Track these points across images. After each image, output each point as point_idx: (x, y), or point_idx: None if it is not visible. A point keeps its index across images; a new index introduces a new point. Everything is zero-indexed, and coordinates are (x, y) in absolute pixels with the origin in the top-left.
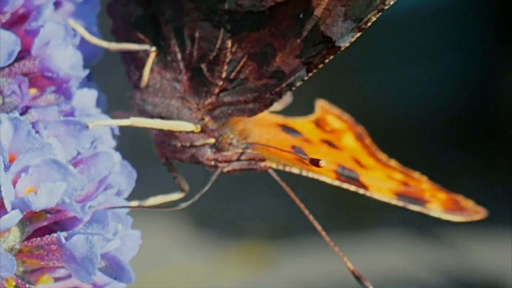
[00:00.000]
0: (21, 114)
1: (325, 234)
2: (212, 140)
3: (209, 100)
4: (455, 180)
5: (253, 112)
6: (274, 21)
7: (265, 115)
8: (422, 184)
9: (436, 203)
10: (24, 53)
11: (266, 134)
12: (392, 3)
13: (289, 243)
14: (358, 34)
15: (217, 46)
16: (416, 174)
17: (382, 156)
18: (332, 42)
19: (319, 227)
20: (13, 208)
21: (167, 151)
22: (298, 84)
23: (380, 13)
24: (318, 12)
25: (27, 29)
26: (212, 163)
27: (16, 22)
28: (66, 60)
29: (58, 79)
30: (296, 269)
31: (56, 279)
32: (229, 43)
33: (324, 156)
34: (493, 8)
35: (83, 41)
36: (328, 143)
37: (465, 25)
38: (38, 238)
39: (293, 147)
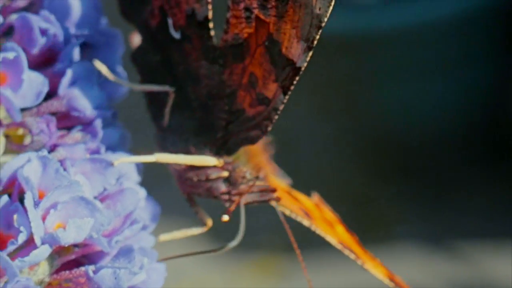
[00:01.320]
0: (49, 152)
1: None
2: (225, 174)
3: (220, 134)
4: (467, 195)
5: (255, 139)
6: (250, 51)
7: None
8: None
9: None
10: (51, 93)
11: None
12: (326, 20)
13: (304, 256)
14: (310, 53)
15: (216, 81)
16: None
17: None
18: (294, 63)
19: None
20: (42, 243)
21: (185, 186)
22: (280, 107)
23: (320, 31)
24: (277, 37)
25: (54, 70)
26: (226, 197)
27: (44, 63)
28: (92, 100)
29: (84, 118)
30: (311, 281)
31: None
32: (224, 77)
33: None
34: (505, 21)
35: (108, 80)
36: (327, 223)
37: (476, 39)
38: (67, 271)
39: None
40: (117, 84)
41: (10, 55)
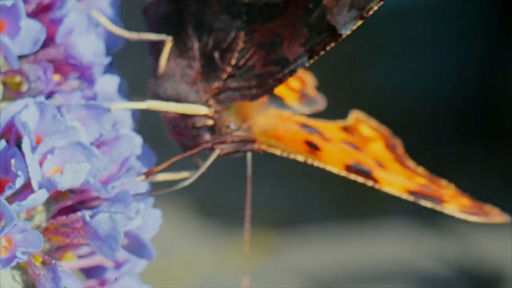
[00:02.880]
0: (46, 99)
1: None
2: (210, 122)
3: (216, 85)
4: (458, 172)
5: (254, 97)
6: (286, 13)
7: (285, 112)
8: (445, 189)
9: (455, 205)
10: (48, 41)
11: (275, 124)
12: None
13: (294, 232)
14: (360, 23)
15: (232, 36)
16: (443, 182)
17: (411, 163)
18: (335, 30)
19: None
20: (40, 188)
21: (173, 134)
22: (298, 70)
23: (381, 2)
24: (326, 2)
25: (52, 18)
26: (209, 145)
27: (41, 11)
28: (89, 48)
29: (81, 66)
30: (300, 258)
31: (80, 256)
32: (243, 33)
33: (339, 153)
34: None
35: (105, 30)
36: (350, 144)
37: (469, 17)
38: (64, 216)
39: (306, 141)
40: (115, 33)
41: (8, 2)
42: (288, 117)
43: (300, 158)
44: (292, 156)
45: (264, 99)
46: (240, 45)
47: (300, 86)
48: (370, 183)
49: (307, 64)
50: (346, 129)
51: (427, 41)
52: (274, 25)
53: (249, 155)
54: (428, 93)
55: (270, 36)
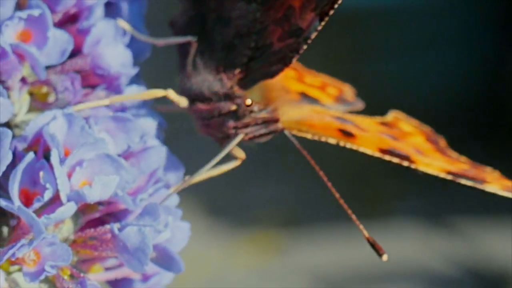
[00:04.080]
0: None
1: (343, 202)
2: (234, 107)
3: (239, 70)
4: None
5: (275, 73)
6: None
7: (322, 108)
8: (489, 173)
9: (496, 185)
10: (76, 51)
11: (308, 115)
12: None
13: (301, 231)
14: None
15: (249, 20)
16: (488, 168)
17: (453, 154)
18: None
19: (337, 195)
20: (68, 200)
21: (203, 128)
22: (312, 36)
23: None
24: None
25: (79, 28)
26: (233, 131)
27: (68, 21)
28: (116, 58)
29: (108, 76)
30: (307, 257)
31: (107, 269)
32: (258, 14)
33: (374, 139)
34: None
35: (132, 39)
36: (388, 135)
37: (477, 14)
38: (92, 229)
39: (339, 129)
40: (141, 42)
41: (36, 12)
42: (322, 111)
43: (332, 141)
44: (323, 139)
45: (296, 97)
46: (257, 26)
47: (337, 93)
48: (405, 163)
49: (319, 27)
50: (384, 123)
51: (433, 40)
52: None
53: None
54: (435, 90)
55: (282, 10)
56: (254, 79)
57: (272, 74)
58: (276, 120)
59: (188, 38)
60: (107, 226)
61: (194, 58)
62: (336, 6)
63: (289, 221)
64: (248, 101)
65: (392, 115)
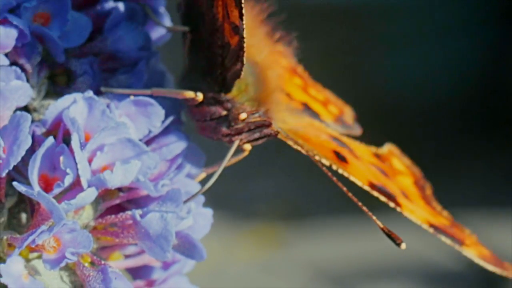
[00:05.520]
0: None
1: (352, 195)
2: (224, 112)
3: (219, 71)
4: (465, 163)
5: (238, 72)
6: None
7: (318, 123)
8: (468, 235)
9: (474, 250)
10: (95, 34)
11: (306, 129)
12: None
13: (302, 225)
14: None
15: (211, 16)
16: (467, 230)
17: (437, 206)
18: None
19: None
20: (89, 186)
21: (199, 129)
22: (243, 32)
23: None
24: None
25: (98, 11)
26: (227, 138)
27: (87, 3)
28: (136, 41)
29: (128, 59)
30: (309, 250)
31: (127, 256)
32: (213, 10)
33: (366, 171)
34: None
35: (151, 22)
36: (379, 169)
37: (477, 8)
38: (113, 216)
39: (334, 151)
40: (159, 25)
41: None
42: (320, 127)
43: (325, 162)
44: (317, 158)
45: (298, 105)
46: (217, 23)
47: (338, 112)
48: (392, 204)
49: (243, 22)
50: (378, 156)
51: (430, 31)
52: None
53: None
54: (436, 82)
55: (224, 7)
56: (229, 79)
57: (237, 74)
58: (268, 124)
59: (184, 28)
60: (128, 213)
61: (190, 52)
62: (242, 1)
63: (290, 215)
64: (243, 116)
65: (388, 149)
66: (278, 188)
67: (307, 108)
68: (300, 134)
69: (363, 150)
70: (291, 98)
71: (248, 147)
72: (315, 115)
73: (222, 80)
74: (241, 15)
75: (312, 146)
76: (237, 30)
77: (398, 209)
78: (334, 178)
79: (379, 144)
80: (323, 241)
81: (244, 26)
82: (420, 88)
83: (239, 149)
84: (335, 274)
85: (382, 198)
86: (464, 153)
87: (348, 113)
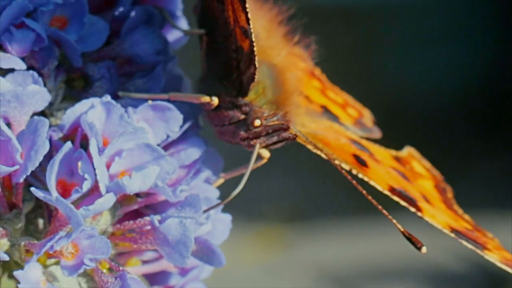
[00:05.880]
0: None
1: (371, 198)
2: (242, 116)
3: (235, 75)
4: (471, 164)
5: (252, 76)
6: None
7: (338, 126)
8: (490, 239)
9: (496, 255)
10: (112, 38)
11: (326, 132)
12: None
13: (308, 227)
14: None
15: (223, 20)
16: (489, 233)
17: (458, 209)
18: None
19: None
20: (107, 192)
21: (218, 134)
22: (251, 35)
23: None
24: None
25: (115, 14)
26: (245, 142)
27: (104, 7)
28: (154, 44)
29: (146, 63)
30: (313, 252)
31: (144, 262)
32: (225, 14)
33: (386, 175)
34: None
35: (168, 25)
36: (399, 173)
37: (481, 9)
38: (131, 221)
39: (354, 155)
40: (176, 29)
41: None
42: (339, 130)
43: (346, 166)
44: (337, 163)
45: (317, 108)
46: (230, 28)
47: (357, 115)
48: (412, 209)
49: (250, 25)
50: (398, 159)
51: (436, 33)
52: None
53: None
54: (438, 85)
55: (234, 12)
56: (247, 83)
57: (252, 77)
58: (286, 128)
59: (200, 31)
60: (147, 218)
61: (207, 56)
62: (246, 6)
63: (295, 216)
64: (257, 122)
65: (407, 152)
66: (282, 190)
67: (326, 111)
68: (319, 138)
69: (383, 154)
70: (310, 101)
71: (266, 154)
72: (334, 118)
73: (239, 84)
74: (247, 20)
75: (332, 150)
76: (247, 34)
77: (419, 214)
78: (354, 182)
79: (388, 144)
80: (328, 243)
81: (252, 30)
82: (424, 90)
83: (258, 156)
84: (339, 276)
85: (403, 203)
86: (469, 154)
87: (367, 116)
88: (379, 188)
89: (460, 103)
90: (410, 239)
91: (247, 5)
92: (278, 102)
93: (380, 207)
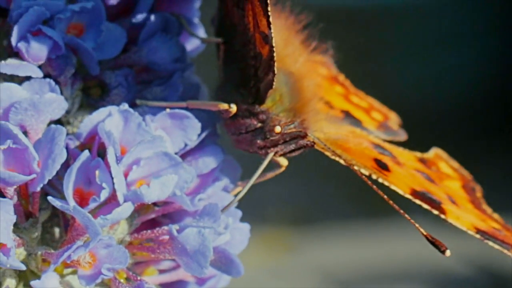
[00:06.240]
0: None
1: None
2: (259, 124)
3: (252, 83)
4: (480, 165)
5: (271, 83)
6: None
7: (360, 130)
8: None
9: None
10: (129, 45)
11: (346, 137)
12: None
13: (312, 230)
14: None
15: (242, 26)
16: None
17: (487, 208)
18: None
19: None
20: (125, 201)
21: (235, 142)
22: (271, 41)
23: None
24: None
25: (133, 21)
26: (262, 151)
27: (122, 14)
28: (171, 52)
29: (163, 71)
30: (318, 255)
31: (161, 271)
32: (245, 20)
33: (408, 178)
34: None
35: (185, 33)
36: (424, 175)
37: (487, 12)
38: (149, 231)
39: (376, 159)
40: (193, 37)
41: (89, 4)
42: (361, 135)
43: (365, 172)
44: (356, 168)
45: (338, 114)
46: (249, 34)
47: (382, 119)
48: (435, 212)
49: (271, 32)
50: (423, 161)
51: (446, 36)
52: (253, 4)
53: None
54: (448, 87)
55: (254, 17)
56: (263, 90)
57: (270, 84)
58: (304, 135)
59: (217, 40)
60: (165, 228)
61: (224, 64)
62: (268, 9)
63: (299, 219)
64: (277, 129)
65: (434, 153)
66: (287, 193)
67: (348, 115)
68: (339, 144)
69: (407, 156)
70: (331, 107)
71: (285, 162)
72: (357, 122)
73: (255, 92)
74: (269, 24)
75: (352, 155)
76: (267, 40)
77: (443, 216)
78: (374, 187)
79: (398, 145)
80: (332, 246)
81: (273, 35)
82: (435, 92)
83: (275, 164)
84: (343, 279)
85: (425, 206)
86: (480, 155)
87: (393, 119)
88: (400, 192)
89: (468, 104)
90: (433, 242)
91: (269, 8)
92: (295, 109)
93: (402, 211)
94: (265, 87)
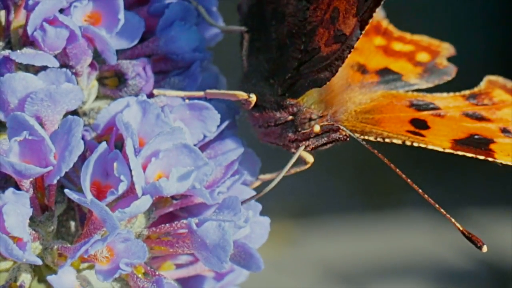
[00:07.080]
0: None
1: (428, 197)
2: (290, 117)
3: (289, 75)
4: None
5: (324, 81)
6: None
7: (394, 92)
8: None
9: None
10: (147, 35)
11: (377, 105)
12: None
13: (314, 223)
14: None
15: (299, 18)
16: None
17: None
18: None
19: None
20: (143, 194)
21: (261, 135)
22: (354, 44)
23: None
24: None
25: (150, 10)
26: (293, 144)
27: (139, 2)
28: (190, 42)
29: (182, 61)
30: (320, 249)
31: (178, 266)
32: (307, 13)
33: (450, 128)
34: None
35: (203, 22)
36: (472, 115)
37: (490, 5)
38: (167, 225)
39: (412, 120)
40: (212, 26)
41: None
42: (397, 96)
43: (397, 141)
44: (387, 140)
45: (373, 78)
46: (307, 27)
47: (428, 58)
48: (481, 157)
49: (360, 36)
50: (472, 97)
51: (450, 28)
52: None
53: None
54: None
55: (329, 12)
56: (303, 86)
57: (320, 82)
58: (336, 129)
59: (241, 28)
60: (184, 221)
61: (249, 54)
62: (374, 14)
63: (302, 213)
64: (316, 128)
65: (486, 82)
66: (289, 186)
67: (386, 73)
68: (369, 118)
69: (451, 100)
70: (364, 71)
71: (310, 159)
72: (396, 77)
73: (289, 84)
74: (363, 26)
75: (384, 126)
76: (341, 39)
77: (490, 159)
78: (409, 180)
79: None
80: (334, 240)
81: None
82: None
83: (302, 161)
84: (345, 273)
85: (469, 154)
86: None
87: (445, 50)
88: (439, 149)
89: None
90: (470, 238)
91: (376, 10)
92: (326, 101)
93: (437, 206)
94: (310, 83)
